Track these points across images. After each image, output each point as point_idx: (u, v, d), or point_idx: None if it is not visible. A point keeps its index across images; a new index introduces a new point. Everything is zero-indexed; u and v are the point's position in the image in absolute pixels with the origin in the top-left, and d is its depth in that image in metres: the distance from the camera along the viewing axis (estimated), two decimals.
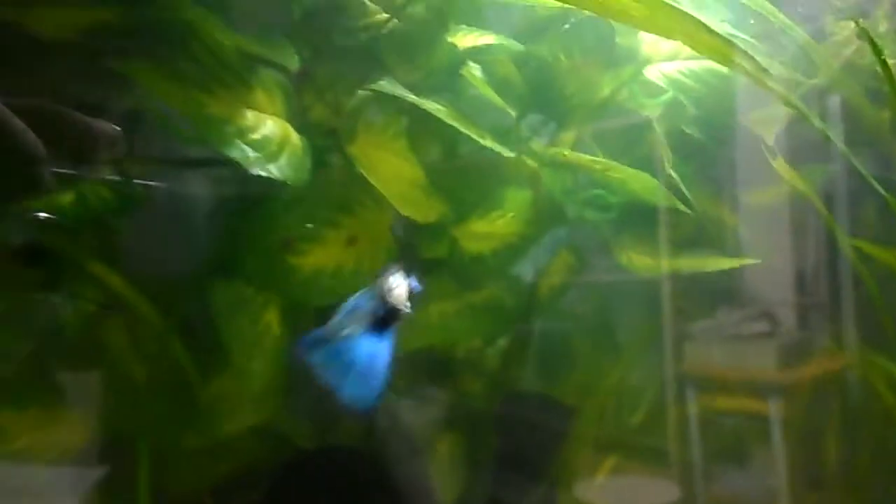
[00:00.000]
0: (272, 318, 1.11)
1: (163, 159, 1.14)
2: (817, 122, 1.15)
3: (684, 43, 0.86)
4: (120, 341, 1.21)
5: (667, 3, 0.78)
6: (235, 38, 0.87)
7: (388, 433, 1.45)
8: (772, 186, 1.58)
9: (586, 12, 1.33)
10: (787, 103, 1.08)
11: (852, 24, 1.44)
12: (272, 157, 0.91)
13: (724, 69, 1.43)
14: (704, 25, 0.80)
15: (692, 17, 0.80)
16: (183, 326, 1.19)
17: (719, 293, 1.60)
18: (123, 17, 0.82)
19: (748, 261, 1.34)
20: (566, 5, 1.32)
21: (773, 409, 1.57)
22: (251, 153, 0.89)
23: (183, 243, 1.18)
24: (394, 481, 1.42)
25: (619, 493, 1.52)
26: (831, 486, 1.63)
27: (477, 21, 1.38)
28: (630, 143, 1.47)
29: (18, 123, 0.60)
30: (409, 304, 0.80)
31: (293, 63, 0.92)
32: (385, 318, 0.78)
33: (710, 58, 0.98)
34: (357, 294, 0.82)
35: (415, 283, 0.80)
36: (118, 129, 0.75)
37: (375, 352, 0.76)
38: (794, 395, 1.61)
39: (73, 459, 1.19)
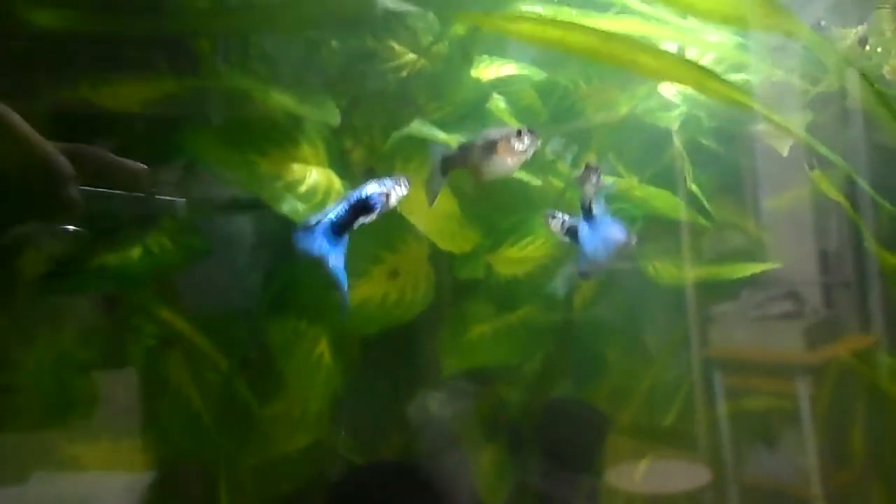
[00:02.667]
0: (324, 349, 1.19)
1: (216, 204, 1.22)
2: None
3: (695, 89, 0.92)
4: (180, 372, 1.30)
5: (676, 55, 0.85)
6: (285, 100, 0.95)
7: (431, 445, 1.53)
8: (788, 191, 1.63)
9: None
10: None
11: (857, 29, 1.48)
12: (319, 207, 0.99)
13: (737, 83, 1.49)
14: (712, 73, 0.86)
15: (700, 65, 0.86)
16: (239, 356, 1.28)
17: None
18: (183, 89, 0.90)
19: (770, 265, 1.39)
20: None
21: (801, 389, 1.61)
22: (300, 206, 0.97)
23: (237, 281, 1.27)
24: (438, 491, 1.49)
25: (651, 477, 1.56)
26: (860, 464, 1.66)
27: (498, 50, 1.45)
28: (651, 155, 1.52)
29: (48, 146, 0.67)
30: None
31: (335, 120, 0.99)
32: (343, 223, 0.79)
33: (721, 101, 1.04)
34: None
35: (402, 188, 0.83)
36: (144, 166, 0.83)
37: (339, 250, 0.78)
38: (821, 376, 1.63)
39: (139, 482, 1.27)
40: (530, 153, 0.88)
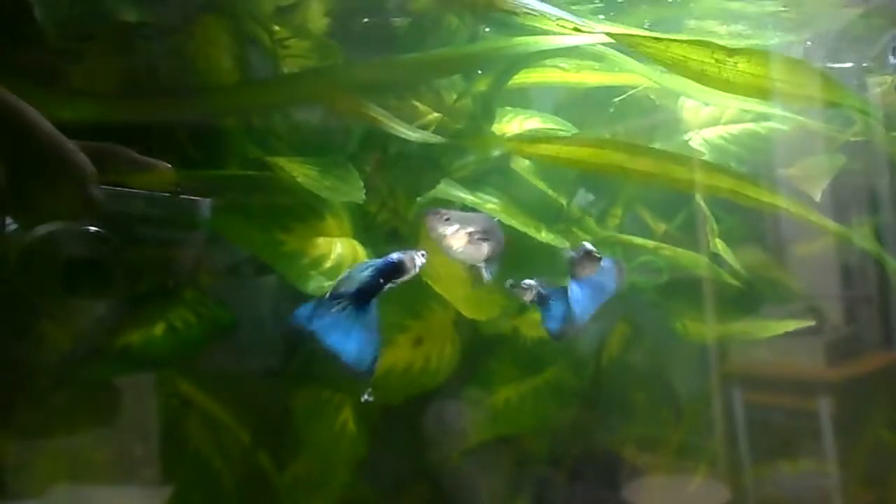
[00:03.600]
0: (347, 417, 1.17)
1: (235, 268, 1.21)
2: None
3: (732, 198, 0.92)
4: (201, 433, 1.28)
5: (710, 164, 0.84)
6: (309, 177, 0.93)
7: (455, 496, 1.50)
8: (817, 239, 1.60)
9: (627, 87, 1.38)
10: None
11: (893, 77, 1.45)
12: None
13: (764, 132, 1.46)
14: (748, 178, 0.85)
15: (736, 172, 0.85)
16: (259, 419, 1.27)
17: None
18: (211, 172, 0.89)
19: (803, 323, 1.35)
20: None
21: (822, 406, 1.58)
22: (326, 283, 0.95)
23: (259, 346, 1.25)
24: None
25: (668, 496, 1.54)
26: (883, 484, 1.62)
27: (521, 101, 1.43)
28: (680, 203, 1.50)
29: (68, 144, 0.66)
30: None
31: (360, 196, 0.97)
32: (371, 289, 0.81)
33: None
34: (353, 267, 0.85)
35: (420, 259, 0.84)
36: (169, 165, 0.83)
37: (368, 315, 0.80)
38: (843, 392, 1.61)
39: None
40: (461, 235, 0.84)
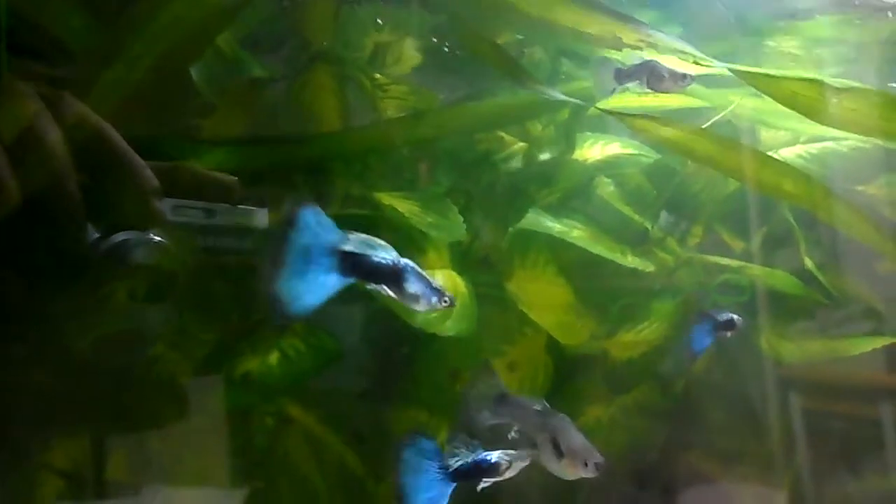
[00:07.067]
0: (445, 441, 1.22)
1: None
2: None
3: (812, 209, 0.93)
4: (300, 450, 1.34)
5: (800, 172, 0.86)
6: (414, 213, 0.99)
7: None
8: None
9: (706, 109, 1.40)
10: None
11: None
12: (446, 315, 1.02)
13: (846, 150, 1.46)
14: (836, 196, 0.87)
15: (824, 186, 0.87)
16: (356, 435, 1.32)
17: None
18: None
19: (892, 340, 1.35)
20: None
21: (884, 413, 1.55)
22: (431, 316, 1.01)
23: (361, 371, 1.31)
24: None
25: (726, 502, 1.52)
26: None
27: (599, 126, 1.46)
28: (760, 222, 1.50)
29: (136, 158, 0.72)
30: None
31: (461, 234, 1.02)
32: None
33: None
34: None
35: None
36: (235, 178, 0.86)
37: None
38: None
39: None
40: None
